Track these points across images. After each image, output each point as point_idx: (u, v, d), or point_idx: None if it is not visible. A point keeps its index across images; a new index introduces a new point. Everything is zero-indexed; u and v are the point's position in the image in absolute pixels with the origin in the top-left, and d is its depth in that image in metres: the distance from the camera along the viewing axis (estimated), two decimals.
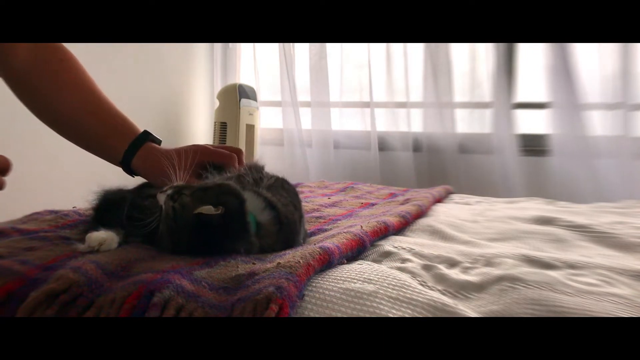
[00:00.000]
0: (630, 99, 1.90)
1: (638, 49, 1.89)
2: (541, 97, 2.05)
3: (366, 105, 2.31)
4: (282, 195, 0.65)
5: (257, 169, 0.73)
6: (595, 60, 1.94)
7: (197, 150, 0.74)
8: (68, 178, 1.61)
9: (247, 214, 0.56)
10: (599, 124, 1.94)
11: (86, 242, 0.55)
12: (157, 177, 0.70)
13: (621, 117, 1.91)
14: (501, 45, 2.07)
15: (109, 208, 0.65)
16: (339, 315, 0.42)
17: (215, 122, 2.29)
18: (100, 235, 0.56)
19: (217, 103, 2.32)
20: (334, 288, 0.45)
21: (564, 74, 1.95)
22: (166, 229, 0.56)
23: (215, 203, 0.54)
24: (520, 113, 2.12)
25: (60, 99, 0.77)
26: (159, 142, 0.78)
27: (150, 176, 0.74)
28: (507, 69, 2.08)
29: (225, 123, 2.24)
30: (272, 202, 0.61)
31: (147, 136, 0.76)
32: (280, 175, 0.73)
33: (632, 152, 1.89)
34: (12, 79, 0.77)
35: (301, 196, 0.72)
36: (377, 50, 2.28)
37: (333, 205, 1.04)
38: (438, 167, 2.18)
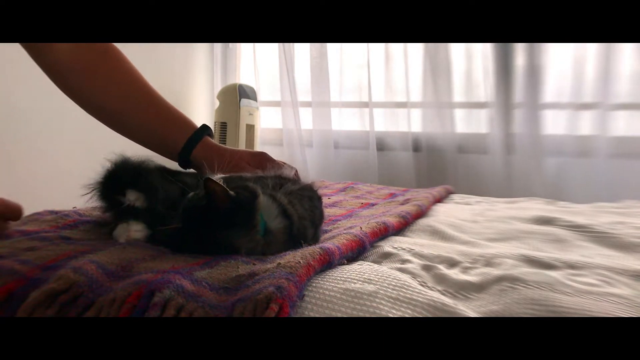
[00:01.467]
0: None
1: (617, 49, 1.90)
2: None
3: (365, 105, 2.31)
4: (304, 206, 0.63)
5: (282, 176, 0.72)
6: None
7: (259, 156, 0.77)
8: (68, 178, 1.61)
9: (258, 210, 0.56)
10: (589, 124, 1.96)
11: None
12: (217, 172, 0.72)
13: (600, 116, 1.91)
14: (500, 45, 2.07)
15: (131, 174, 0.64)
16: (339, 315, 0.42)
17: (215, 122, 2.29)
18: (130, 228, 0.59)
19: (217, 103, 2.32)
20: (334, 288, 0.45)
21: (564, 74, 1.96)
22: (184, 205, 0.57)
23: (232, 189, 0.55)
24: (520, 113, 2.12)
25: (107, 91, 0.77)
26: (212, 135, 0.79)
27: (210, 170, 0.73)
28: (506, 69, 2.08)
29: (225, 123, 2.24)
30: (287, 211, 0.59)
31: (206, 129, 0.77)
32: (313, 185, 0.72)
33: (631, 152, 1.89)
34: (55, 71, 0.77)
35: None
36: (376, 50, 2.28)
37: (333, 205, 1.04)
38: (437, 167, 2.18)
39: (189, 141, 0.75)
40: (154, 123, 0.78)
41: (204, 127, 0.79)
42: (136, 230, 0.61)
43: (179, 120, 0.79)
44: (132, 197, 0.61)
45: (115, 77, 0.78)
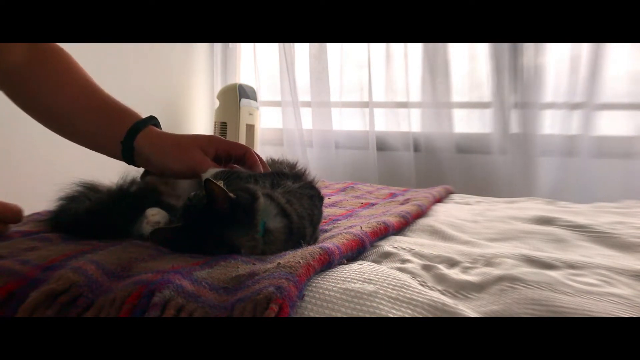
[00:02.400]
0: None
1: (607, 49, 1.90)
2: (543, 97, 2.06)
3: (365, 105, 2.31)
4: (303, 205, 0.63)
5: (282, 173, 0.72)
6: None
7: (213, 140, 0.71)
8: (68, 178, 1.61)
9: (258, 212, 0.56)
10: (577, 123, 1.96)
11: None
12: (169, 164, 0.67)
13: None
14: (500, 45, 2.07)
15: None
16: (339, 315, 0.42)
17: (215, 122, 2.29)
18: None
19: (217, 103, 2.32)
20: (334, 288, 0.45)
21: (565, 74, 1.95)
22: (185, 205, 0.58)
23: (232, 191, 0.56)
24: (519, 113, 2.12)
25: (56, 97, 0.74)
26: (159, 124, 0.74)
27: (158, 162, 0.69)
28: (505, 69, 2.08)
29: (225, 123, 2.24)
30: (285, 210, 0.59)
31: (150, 119, 0.72)
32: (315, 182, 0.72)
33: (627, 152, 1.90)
34: (5, 80, 0.74)
35: None
36: (377, 50, 2.28)
37: (333, 205, 1.04)
38: (437, 167, 2.18)
39: (129, 132, 0.69)
40: (100, 123, 0.73)
41: (149, 117, 0.73)
42: (153, 214, 0.63)
43: (124, 116, 0.72)
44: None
45: (67, 79, 0.75)
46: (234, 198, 0.55)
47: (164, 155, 0.69)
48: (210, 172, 0.67)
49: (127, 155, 0.71)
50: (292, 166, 0.84)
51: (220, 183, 0.55)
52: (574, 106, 1.96)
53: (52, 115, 0.76)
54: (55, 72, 0.75)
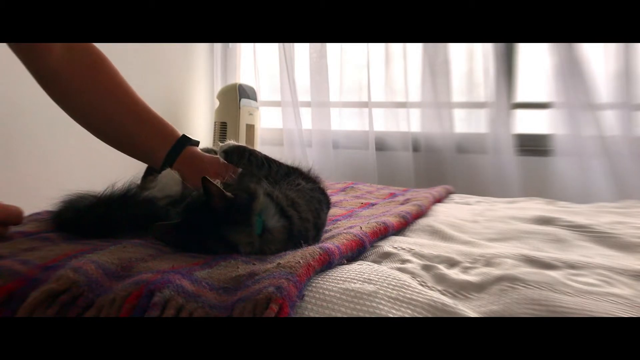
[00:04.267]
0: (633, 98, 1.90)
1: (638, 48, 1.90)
2: (542, 97, 2.06)
3: (365, 105, 2.31)
4: (310, 208, 0.63)
5: (298, 170, 0.73)
6: (600, 60, 1.94)
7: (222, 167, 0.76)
8: (68, 179, 1.61)
9: (255, 210, 0.57)
10: (602, 123, 1.94)
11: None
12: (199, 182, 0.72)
13: (625, 117, 1.91)
14: (500, 45, 2.07)
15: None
16: (339, 315, 0.42)
17: (215, 122, 2.29)
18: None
19: (217, 103, 2.32)
20: (334, 288, 0.45)
21: (567, 74, 1.95)
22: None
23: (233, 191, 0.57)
24: (519, 113, 2.12)
25: (95, 99, 0.78)
26: (196, 143, 0.79)
27: (192, 180, 0.74)
28: (505, 69, 2.08)
29: (225, 123, 2.24)
30: (285, 210, 0.60)
31: (187, 140, 0.78)
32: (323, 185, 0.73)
33: (631, 152, 1.89)
34: (45, 77, 0.77)
35: None
36: (376, 50, 2.28)
37: (333, 205, 1.04)
38: (437, 167, 2.18)
39: (167, 157, 0.76)
40: (137, 135, 0.79)
41: (184, 138, 0.78)
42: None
43: (162, 132, 0.79)
44: None
45: (103, 86, 0.78)
46: (230, 197, 0.56)
47: (195, 177, 0.74)
48: (228, 144, 0.71)
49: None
50: (307, 172, 0.85)
51: (218, 183, 0.56)
52: (585, 106, 1.96)
53: (89, 116, 0.79)
54: (91, 72, 0.78)
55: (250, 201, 0.58)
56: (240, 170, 0.72)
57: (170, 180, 0.71)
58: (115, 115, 0.78)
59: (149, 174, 0.78)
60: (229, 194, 0.56)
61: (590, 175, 1.93)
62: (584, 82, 1.93)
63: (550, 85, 2.01)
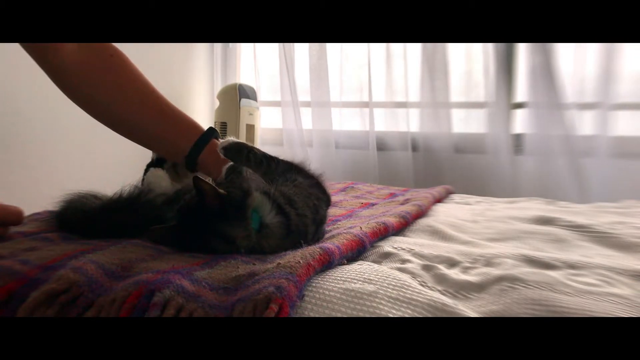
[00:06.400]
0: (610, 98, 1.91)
1: (620, 48, 1.89)
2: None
3: (365, 105, 2.31)
4: (308, 204, 0.64)
5: (297, 167, 0.74)
6: (575, 60, 1.96)
7: None
8: (68, 179, 1.61)
9: (249, 207, 0.58)
10: (578, 123, 1.96)
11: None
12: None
13: (600, 116, 1.92)
14: (499, 45, 2.07)
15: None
16: (339, 315, 0.42)
17: (215, 122, 2.29)
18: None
19: (217, 103, 2.32)
20: (334, 288, 0.45)
21: (544, 74, 1.96)
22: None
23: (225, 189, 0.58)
24: (519, 113, 2.12)
25: (115, 95, 0.78)
26: (219, 136, 0.80)
27: (214, 172, 0.75)
28: (505, 69, 2.08)
29: (225, 123, 2.24)
30: (282, 207, 0.61)
31: (212, 133, 0.79)
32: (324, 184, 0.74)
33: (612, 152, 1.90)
34: (58, 75, 0.77)
35: None
36: (376, 50, 2.28)
37: (333, 205, 1.04)
38: (437, 167, 2.18)
39: (194, 147, 0.77)
40: (160, 128, 0.79)
41: (210, 131, 0.79)
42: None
43: (185, 125, 0.80)
44: None
45: (120, 82, 0.79)
46: (224, 194, 0.57)
47: (210, 172, 0.76)
48: (228, 140, 0.71)
49: (190, 167, 0.78)
50: (306, 168, 0.85)
51: (209, 180, 0.57)
52: (581, 106, 1.96)
53: (109, 113, 0.79)
54: (109, 68, 0.78)
55: (244, 197, 0.59)
56: (229, 164, 0.73)
57: (156, 178, 0.72)
58: (136, 112, 0.79)
59: (154, 165, 0.79)
60: (222, 191, 0.57)
61: (590, 175, 1.93)
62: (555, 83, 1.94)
63: (528, 85, 2.02)
